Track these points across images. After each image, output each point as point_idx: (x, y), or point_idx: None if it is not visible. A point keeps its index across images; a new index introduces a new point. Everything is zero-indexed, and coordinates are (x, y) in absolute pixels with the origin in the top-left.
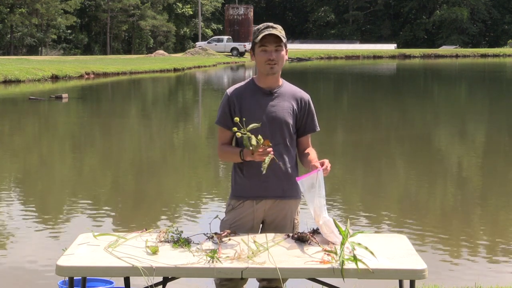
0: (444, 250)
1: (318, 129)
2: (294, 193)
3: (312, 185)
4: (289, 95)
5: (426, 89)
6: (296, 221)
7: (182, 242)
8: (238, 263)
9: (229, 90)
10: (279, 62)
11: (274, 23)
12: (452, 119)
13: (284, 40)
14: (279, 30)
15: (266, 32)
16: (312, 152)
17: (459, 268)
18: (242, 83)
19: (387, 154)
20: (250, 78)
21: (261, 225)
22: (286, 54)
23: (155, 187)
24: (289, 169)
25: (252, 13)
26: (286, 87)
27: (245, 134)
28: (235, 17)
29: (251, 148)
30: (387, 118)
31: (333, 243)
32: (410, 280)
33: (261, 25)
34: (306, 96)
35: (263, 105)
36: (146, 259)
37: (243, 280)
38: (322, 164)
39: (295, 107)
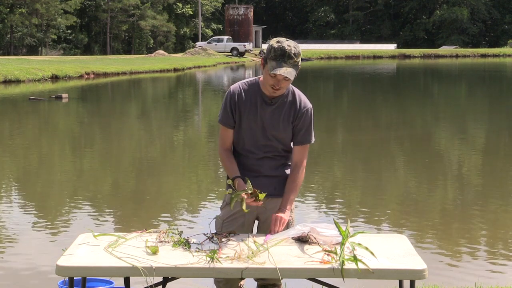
0: (444, 250)
1: (312, 141)
2: None
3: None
4: (289, 103)
5: (426, 89)
6: (290, 218)
7: (182, 242)
8: (238, 263)
9: (232, 88)
10: (284, 87)
11: (291, 41)
12: (452, 119)
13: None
14: (295, 60)
15: (277, 71)
16: (289, 186)
17: (459, 268)
18: (246, 82)
19: (387, 154)
20: (257, 78)
21: (257, 221)
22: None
23: (155, 187)
24: (281, 176)
25: (252, 13)
26: (290, 95)
27: (234, 194)
28: (235, 17)
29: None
30: (387, 118)
31: (331, 242)
32: (410, 280)
33: (278, 47)
34: (307, 105)
35: (261, 113)
36: (146, 259)
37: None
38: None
39: (291, 116)
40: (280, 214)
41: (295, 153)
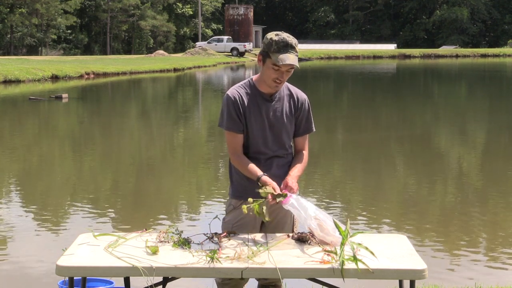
0: (444, 250)
1: (314, 130)
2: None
3: (294, 207)
4: (287, 97)
5: (426, 89)
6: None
7: (182, 242)
8: (238, 263)
9: (231, 93)
10: (286, 79)
11: (287, 33)
12: (452, 119)
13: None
14: (296, 50)
15: (287, 61)
16: (296, 163)
17: (459, 268)
18: (242, 85)
19: (387, 154)
20: (250, 79)
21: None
22: None
23: (155, 187)
24: (288, 171)
25: (252, 13)
26: (285, 89)
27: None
28: (235, 17)
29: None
30: (387, 118)
31: (331, 243)
32: (410, 280)
33: (279, 40)
34: (303, 96)
35: (264, 110)
36: (146, 259)
37: (244, 279)
38: (285, 185)
39: (293, 108)
40: (291, 180)
41: (298, 143)
